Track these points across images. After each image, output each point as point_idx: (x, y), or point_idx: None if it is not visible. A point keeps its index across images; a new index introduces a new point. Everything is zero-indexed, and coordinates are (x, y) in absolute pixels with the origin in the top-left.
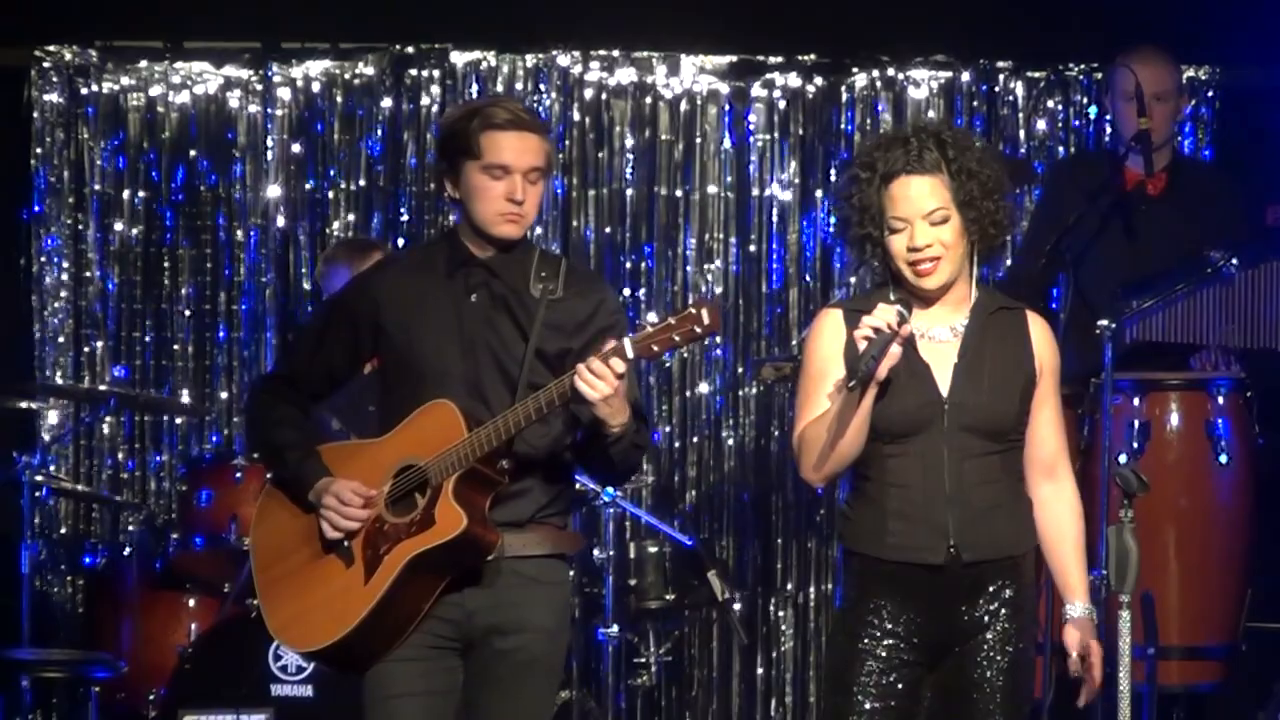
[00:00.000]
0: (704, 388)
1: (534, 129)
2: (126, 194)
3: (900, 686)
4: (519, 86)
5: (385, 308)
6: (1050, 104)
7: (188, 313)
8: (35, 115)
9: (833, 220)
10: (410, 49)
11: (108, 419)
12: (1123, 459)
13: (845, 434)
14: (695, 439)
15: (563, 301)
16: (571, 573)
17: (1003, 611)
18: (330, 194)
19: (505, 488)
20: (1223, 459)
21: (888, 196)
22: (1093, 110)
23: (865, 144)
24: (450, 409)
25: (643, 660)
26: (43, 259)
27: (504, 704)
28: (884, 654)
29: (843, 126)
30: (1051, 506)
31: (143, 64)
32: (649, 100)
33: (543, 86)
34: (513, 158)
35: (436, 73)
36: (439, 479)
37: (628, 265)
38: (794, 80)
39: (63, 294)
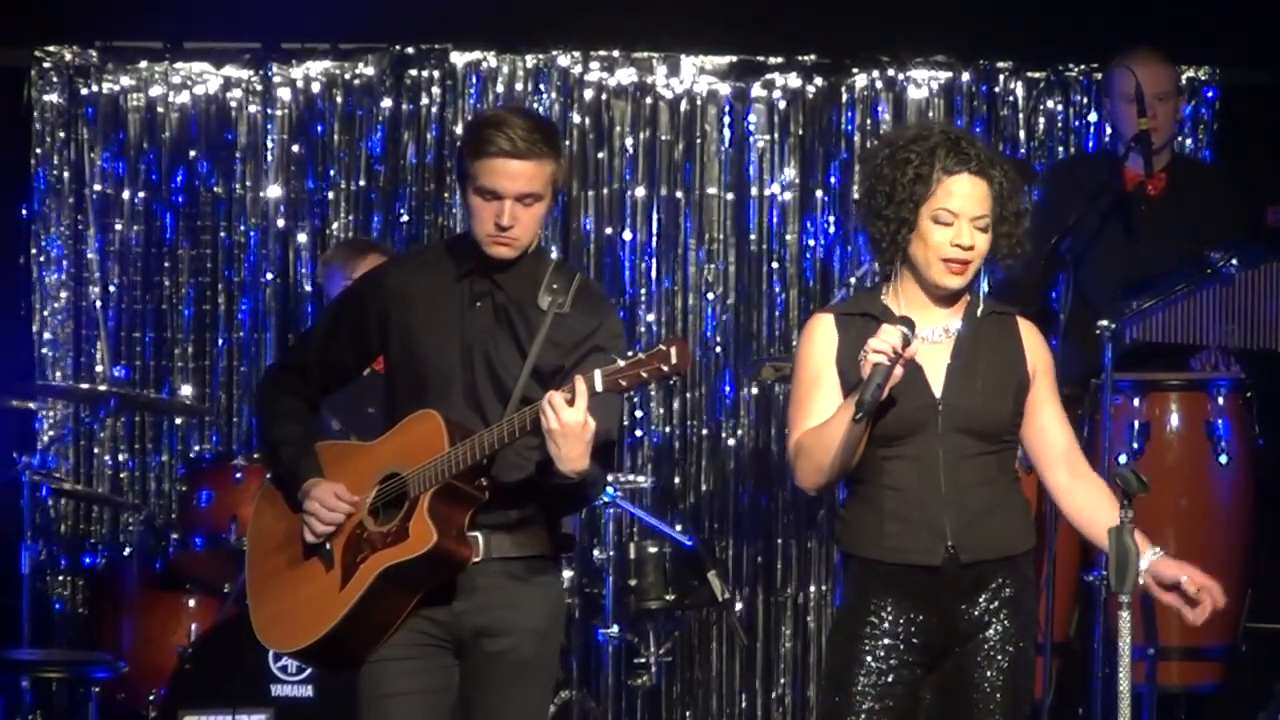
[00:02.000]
0: (704, 388)
1: (530, 155)
2: (126, 194)
3: (899, 687)
4: (519, 87)
5: (395, 306)
6: (1050, 104)
7: (188, 313)
8: (35, 115)
9: (853, 204)
10: (410, 49)
11: (108, 419)
12: (1123, 459)
13: (845, 450)
14: (695, 439)
15: (568, 318)
16: (570, 573)
17: (1002, 611)
18: (330, 194)
19: (485, 503)
20: (1223, 459)
21: (944, 188)
22: (1093, 116)
23: (894, 135)
24: (435, 420)
25: (643, 660)
26: (43, 259)
27: (499, 705)
28: (883, 654)
29: (843, 127)
30: (1082, 496)
31: (143, 64)
32: (649, 101)
33: (543, 87)
34: (504, 184)
35: (436, 73)
36: (417, 491)
37: (628, 265)
38: (794, 81)
39: (63, 294)
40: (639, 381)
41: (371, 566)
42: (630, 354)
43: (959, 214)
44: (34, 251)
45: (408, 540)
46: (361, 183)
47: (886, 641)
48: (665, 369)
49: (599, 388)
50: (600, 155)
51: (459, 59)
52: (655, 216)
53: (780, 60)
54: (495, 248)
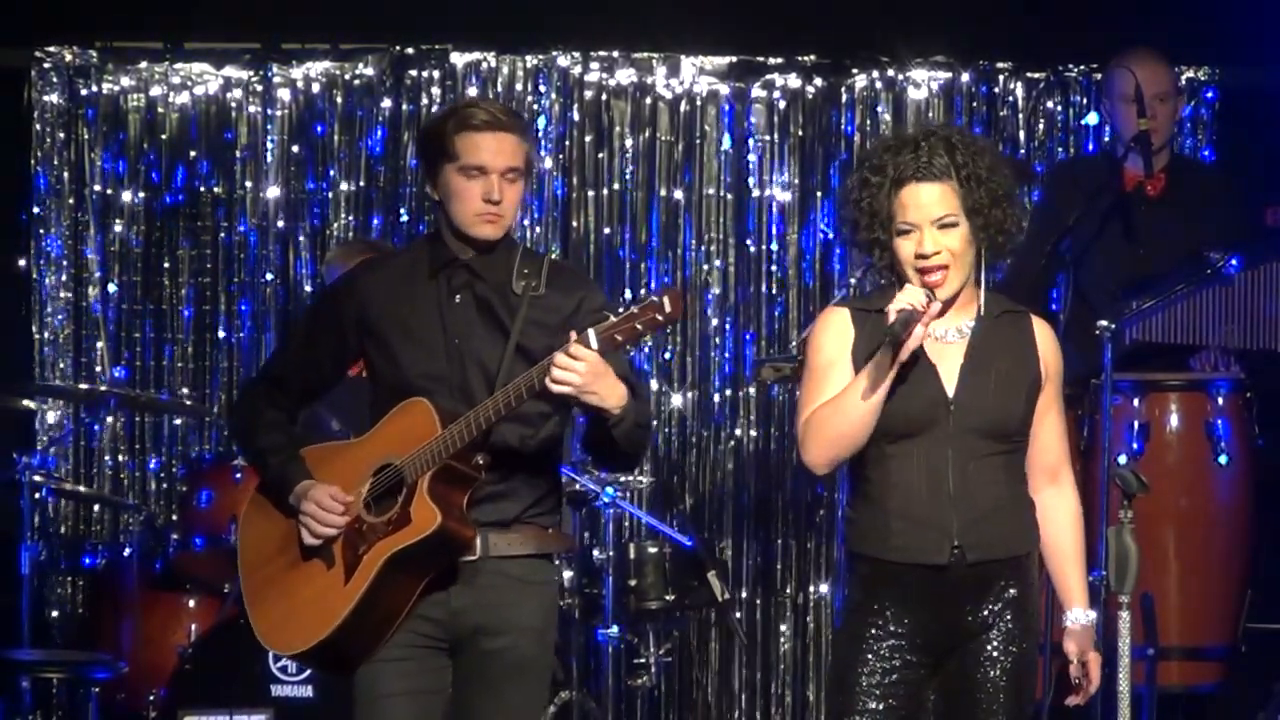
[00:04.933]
0: (704, 388)
1: (511, 129)
2: (126, 195)
3: (903, 687)
4: (519, 87)
5: (370, 309)
6: (1050, 104)
7: (188, 313)
8: (35, 116)
9: (837, 221)
10: (410, 49)
11: (108, 419)
12: (1122, 459)
13: (863, 411)
14: (695, 439)
15: (544, 298)
16: (569, 573)
17: (1006, 612)
18: (330, 194)
19: (483, 484)
20: (1222, 459)
21: (898, 202)
22: (1093, 117)
23: (873, 146)
24: (424, 406)
25: (643, 660)
26: (43, 260)
27: (494, 704)
28: (887, 655)
29: (842, 127)
30: (1052, 512)
31: (143, 64)
32: (649, 101)
33: (543, 87)
34: (488, 158)
35: (436, 73)
36: (414, 477)
37: (628, 265)
38: (794, 81)
39: (63, 295)
40: (634, 335)
41: (376, 556)
42: (621, 309)
43: (918, 223)
44: (34, 252)
45: (411, 524)
46: (361, 183)
47: (891, 642)
48: (660, 318)
49: (594, 345)
50: (600, 155)
51: (459, 59)
52: (655, 216)
53: (780, 60)
54: (483, 226)
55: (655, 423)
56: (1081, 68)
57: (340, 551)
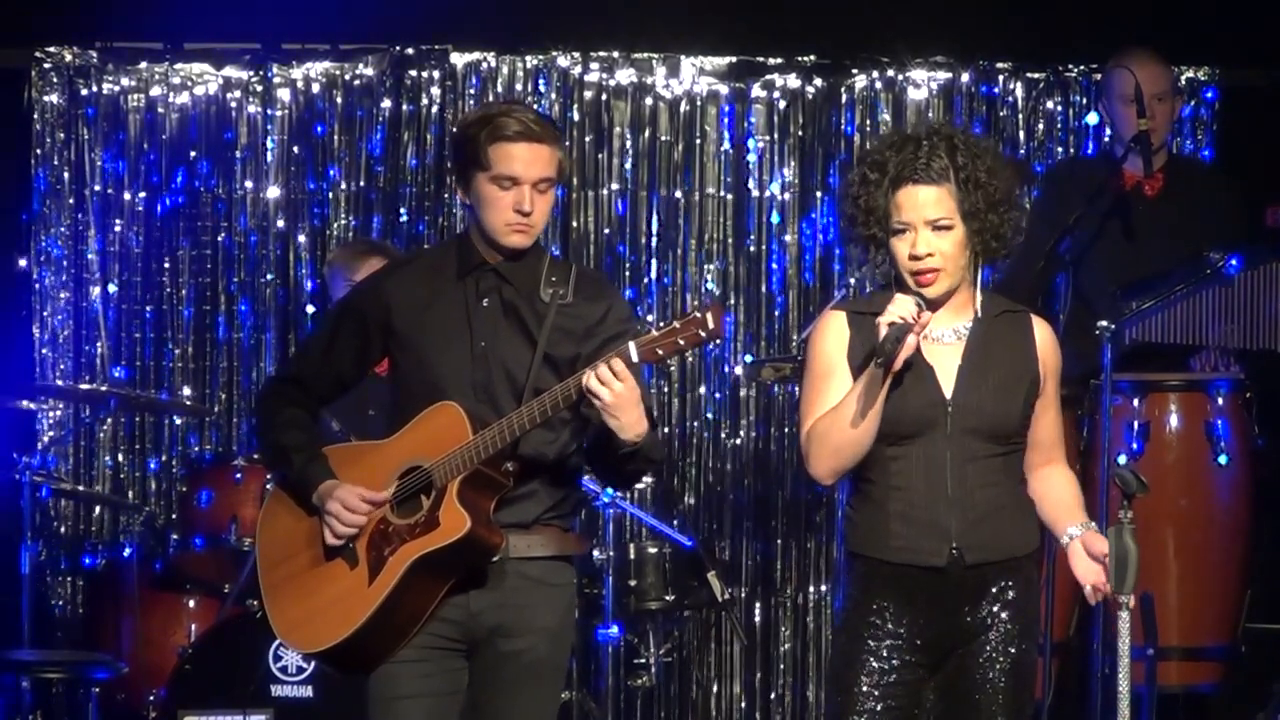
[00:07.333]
0: (704, 388)
1: (545, 139)
2: (127, 195)
3: (902, 688)
4: (519, 87)
5: (396, 311)
6: (1049, 105)
7: (188, 313)
8: (35, 116)
9: (837, 216)
10: (410, 49)
11: (108, 419)
12: (1122, 460)
13: (862, 421)
14: (695, 439)
15: (572, 306)
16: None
17: (1005, 613)
18: (330, 195)
19: (510, 490)
20: (1222, 460)
21: (894, 201)
22: (1093, 117)
23: (876, 143)
24: (456, 411)
25: (643, 660)
26: (42, 260)
27: (510, 705)
28: (886, 655)
29: (842, 128)
30: (1049, 478)
31: (143, 65)
32: (649, 101)
33: (543, 87)
34: (521, 169)
35: (436, 73)
36: (444, 481)
37: (627, 266)
38: (793, 81)
39: (63, 295)
40: (676, 349)
41: (402, 558)
42: (663, 323)
43: (912, 223)
44: (34, 252)
45: (439, 528)
46: (361, 183)
47: (890, 642)
48: (703, 334)
49: (635, 358)
50: (600, 155)
51: (459, 59)
52: (655, 216)
53: (780, 61)
54: (514, 236)
55: (657, 422)
56: (1081, 68)
57: (364, 552)
